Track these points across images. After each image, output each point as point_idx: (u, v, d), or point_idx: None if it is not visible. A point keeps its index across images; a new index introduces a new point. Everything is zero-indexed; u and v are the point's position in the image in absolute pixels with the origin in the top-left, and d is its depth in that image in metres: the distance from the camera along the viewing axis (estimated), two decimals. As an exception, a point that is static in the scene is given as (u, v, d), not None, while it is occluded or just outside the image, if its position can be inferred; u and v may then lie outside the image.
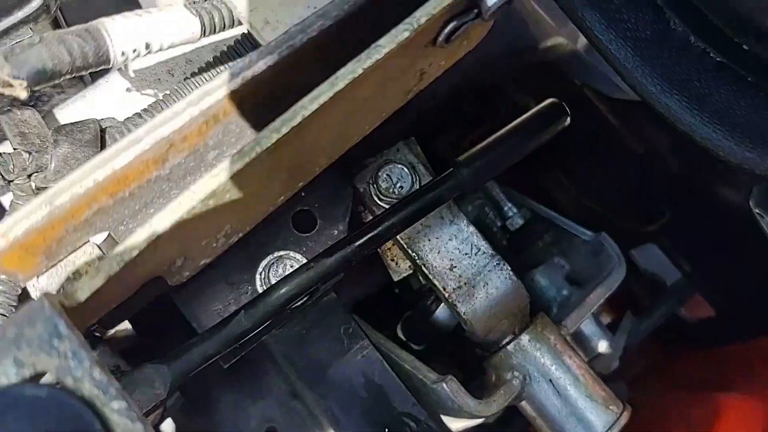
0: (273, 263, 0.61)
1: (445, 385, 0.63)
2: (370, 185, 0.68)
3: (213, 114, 0.35)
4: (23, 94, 0.38)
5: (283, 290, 0.54)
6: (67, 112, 0.56)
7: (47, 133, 0.49)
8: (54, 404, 0.29)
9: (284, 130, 0.35)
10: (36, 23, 0.46)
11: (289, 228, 0.63)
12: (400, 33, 0.37)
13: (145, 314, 0.71)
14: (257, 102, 0.37)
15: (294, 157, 0.38)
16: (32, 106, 0.58)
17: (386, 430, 0.63)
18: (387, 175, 0.68)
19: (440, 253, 0.67)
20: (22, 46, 0.37)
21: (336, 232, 0.63)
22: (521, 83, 0.95)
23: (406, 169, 0.68)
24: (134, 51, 0.39)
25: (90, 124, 0.48)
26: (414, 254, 0.67)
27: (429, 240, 0.68)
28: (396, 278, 0.69)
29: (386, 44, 0.37)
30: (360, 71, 0.36)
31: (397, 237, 0.67)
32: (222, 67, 0.49)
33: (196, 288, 0.60)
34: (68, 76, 0.37)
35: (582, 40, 0.76)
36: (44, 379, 0.30)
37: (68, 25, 0.52)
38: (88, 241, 0.37)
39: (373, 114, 0.44)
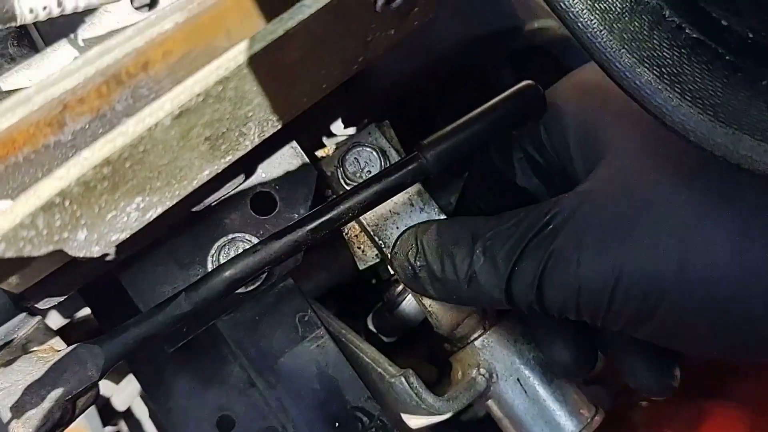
0: (225, 245, 0.58)
1: (403, 379, 0.60)
2: (338, 169, 0.65)
3: (113, 74, 0.32)
4: None
5: (227, 273, 0.51)
6: (12, 80, 0.53)
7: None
8: None
9: (190, 94, 0.32)
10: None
11: (247, 210, 0.60)
12: (329, -8, 0.34)
13: (99, 292, 0.69)
14: (169, 64, 0.34)
15: (211, 125, 0.35)
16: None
17: (336, 424, 0.60)
18: (355, 158, 0.65)
19: None
20: None
21: (296, 215, 0.60)
22: (518, 68, 0.91)
23: (375, 153, 0.65)
24: (44, 8, 0.36)
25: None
26: (380, 242, 0.64)
27: (397, 227, 0.64)
28: (362, 266, 0.66)
29: (312, 4, 0.33)
30: (281, 32, 0.33)
31: (364, 224, 0.64)
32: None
33: (144, 267, 0.58)
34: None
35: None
36: None
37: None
38: (-15, 208, 0.34)
39: (309, 84, 0.40)
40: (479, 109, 0.56)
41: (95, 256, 0.37)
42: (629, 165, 0.53)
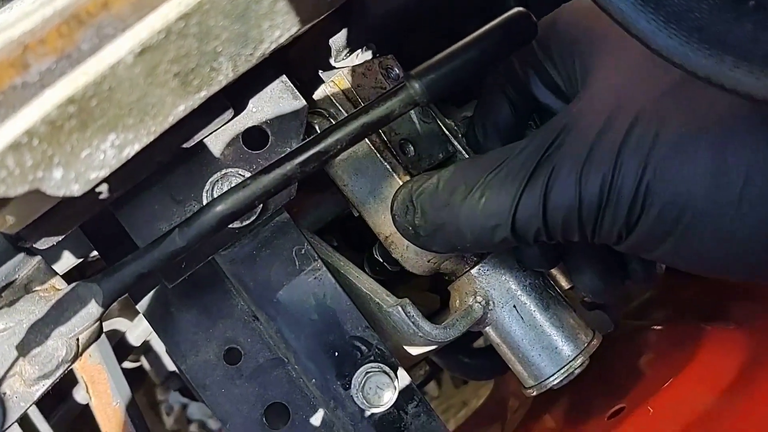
0: (219, 180, 0.58)
1: (400, 308, 0.61)
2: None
3: (72, 14, 0.32)
4: None
5: (218, 208, 0.52)
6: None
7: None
8: None
9: (150, 31, 0.31)
10: None
11: (239, 144, 0.60)
12: None
13: (104, 231, 0.70)
14: (133, 2, 0.34)
15: (177, 61, 0.35)
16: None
17: (336, 353, 0.61)
18: None
19: None
20: None
21: (288, 149, 0.60)
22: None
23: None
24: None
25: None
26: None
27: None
28: (355, 213, 0.66)
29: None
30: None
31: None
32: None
33: (140, 204, 0.58)
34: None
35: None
36: None
37: None
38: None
39: (282, 15, 0.39)
40: (469, 38, 0.55)
41: (76, 194, 0.37)
42: (633, 72, 0.53)
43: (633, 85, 0.53)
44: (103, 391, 1.00)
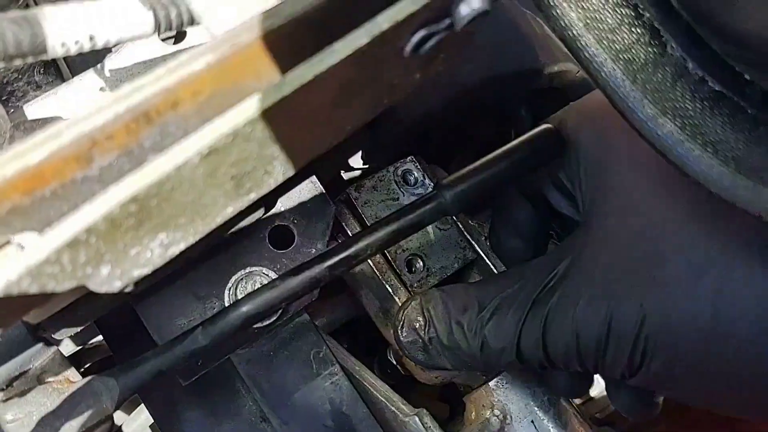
0: (242, 279, 0.58)
1: (417, 419, 0.60)
2: None
3: (143, 112, 0.32)
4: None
5: (244, 309, 0.52)
6: (34, 109, 0.54)
7: (7, 128, 0.47)
8: None
9: (219, 134, 0.32)
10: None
11: (265, 243, 0.60)
12: (358, 38, 0.34)
13: (114, 322, 0.69)
14: (198, 103, 0.34)
15: (237, 164, 0.35)
16: (4, 100, 0.56)
17: (349, 463, 0.59)
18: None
19: None
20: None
21: (314, 250, 0.60)
22: (536, 106, 0.91)
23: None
24: (76, 43, 0.37)
25: (53, 123, 0.45)
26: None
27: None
28: None
29: (342, 49, 0.34)
30: (310, 76, 0.33)
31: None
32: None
33: (161, 299, 0.58)
34: (1, 65, 0.35)
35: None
36: None
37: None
38: (9, 240, 0.34)
39: (334, 125, 0.41)
40: (499, 150, 0.57)
41: (115, 291, 0.37)
42: (639, 203, 0.53)
43: (642, 216, 0.52)
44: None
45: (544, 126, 0.58)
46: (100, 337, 1.00)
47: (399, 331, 0.59)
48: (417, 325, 0.58)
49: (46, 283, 0.33)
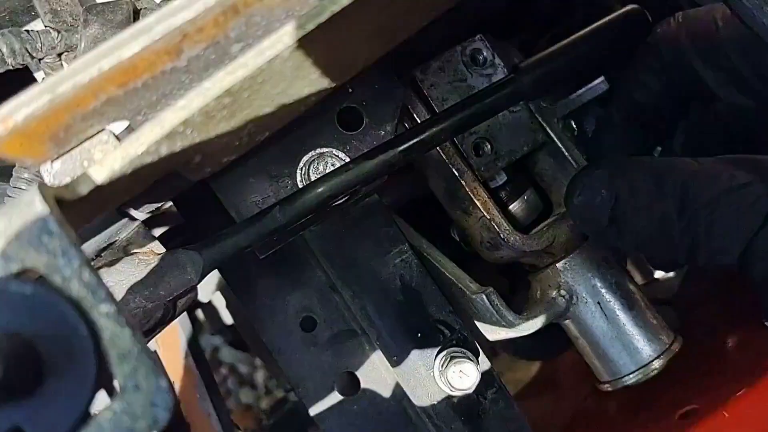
0: (314, 159, 0.58)
1: (484, 296, 0.61)
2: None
3: (231, 4, 0.32)
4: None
5: (321, 189, 0.53)
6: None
7: (79, 11, 0.47)
8: (39, 302, 0.28)
9: (312, 24, 0.31)
10: None
11: (334, 125, 0.60)
12: None
13: (189, 197, 0.71)
14: (285, -8, 0.34)
15: (324, 53, 0.35)
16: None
17: (419, 334, 0.62)
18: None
19: None
20: None
21: (383, 132, 0.60)
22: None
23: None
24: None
25: (123, 5, 0.45)
26: None
27: None
28: None
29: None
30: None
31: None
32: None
33: (236, 177, 0.59)
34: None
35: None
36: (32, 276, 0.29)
37: None
38: (104, 129, 0.35)
39: (422, 7, 0.39)
40: (579, 33, 0.54)
41: (206, 175, 0.38)
42: None
43: None
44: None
45: (629, 6, 0.55)
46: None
47: (571, 204, 0.55)
48: (599, 200, 0.52)
49: (140, 170, 0.34)
